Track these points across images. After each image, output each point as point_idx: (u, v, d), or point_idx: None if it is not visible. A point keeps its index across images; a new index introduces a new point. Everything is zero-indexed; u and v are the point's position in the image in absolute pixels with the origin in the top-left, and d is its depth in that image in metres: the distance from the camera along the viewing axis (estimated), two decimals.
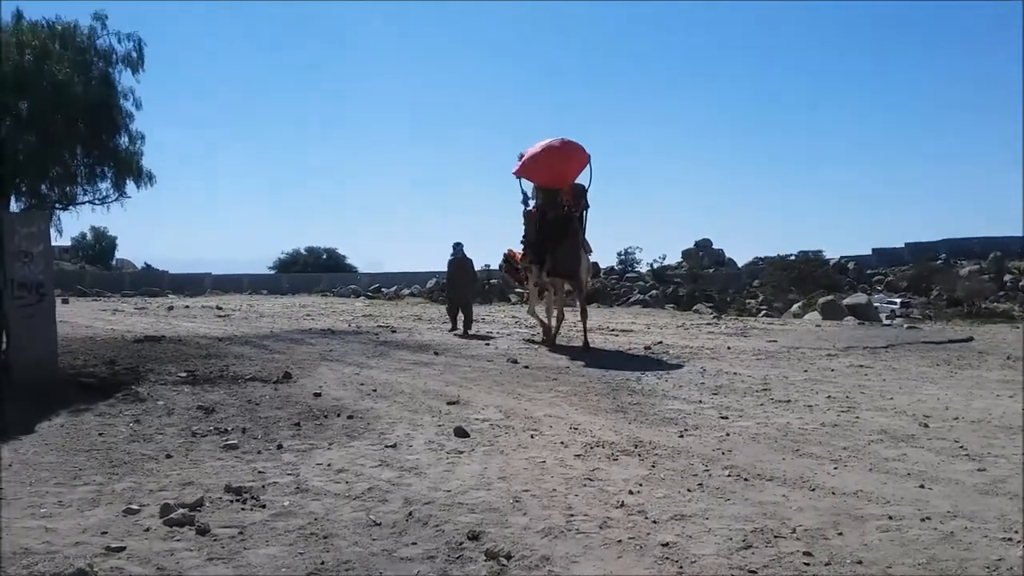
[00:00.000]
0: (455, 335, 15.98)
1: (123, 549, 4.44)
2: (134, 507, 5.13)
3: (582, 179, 14.19)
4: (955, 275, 54.66)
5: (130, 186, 12.09)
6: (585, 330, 14.12)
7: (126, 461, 6.26)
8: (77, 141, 11.31)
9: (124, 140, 11.74)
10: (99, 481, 5.74)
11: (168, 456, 6.42)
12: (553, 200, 13.98)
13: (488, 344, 14.03)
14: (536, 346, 14.26)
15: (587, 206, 14.14)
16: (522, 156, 14.19)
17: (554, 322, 14.74)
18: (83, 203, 12.16)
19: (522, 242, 14.93)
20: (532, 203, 14.52)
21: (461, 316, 16.97)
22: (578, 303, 14.88)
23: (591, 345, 13.75)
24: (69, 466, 6.09)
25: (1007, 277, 54.37)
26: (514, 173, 14.44)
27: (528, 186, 14.59)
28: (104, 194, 11.97)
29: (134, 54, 11.63)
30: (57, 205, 11.74)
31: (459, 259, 17.44)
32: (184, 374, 10.03)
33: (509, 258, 16.20)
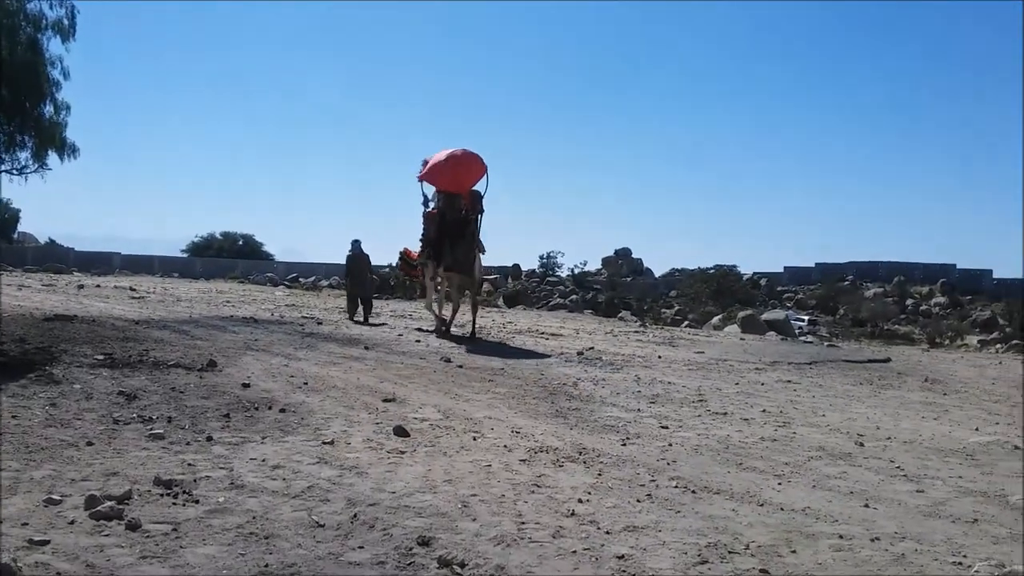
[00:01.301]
0: (356, 322, 16.95)
1: (47, 543, 4.11)
2: (55, 497, 4.78)
3: (480, 187, 15.53)
4: (861, 296, 56.90)
5: (52, 158, 11.40)
6: (474, 321, 15.49)
7: (44, 447, 5.85)
8: None
9: (49, 109, 11.07)
10: (15, 468, 5.33)
11: (89, 443, 6.02)
12: (452, 204, 15.39)
13: (419, 341, 13.78)
14: (429, 334, 14.98)
15: (482, 211, 15.50)
16: (426, 162, 15.56)
17: (447, 314, 15.92)
18: None
19: (421, 240, 16.12)
20: (432, 205, 15.79)
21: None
22: (463, 298, 16.19)
23: (478, 336, 15.08)
24: None
25: (909, 301, 56.84)
26: (418, 177, 15.75)
27: (430, 190, 15.85)
28: (23, 164, 11.25)
29: (65, 21, 11.02)
30: None
31: (357, 254, 18.39)
32: (101, 357, 9.47)
33: (405, 256, 17.48)
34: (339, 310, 19.23)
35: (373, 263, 20.53)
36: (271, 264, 56.40)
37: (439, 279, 16.03)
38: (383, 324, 16.80)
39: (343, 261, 19.55)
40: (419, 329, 16.02)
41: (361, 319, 17.41)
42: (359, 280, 18.23)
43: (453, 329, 15.58)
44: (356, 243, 18.53)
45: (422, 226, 16.00)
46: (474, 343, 14.23)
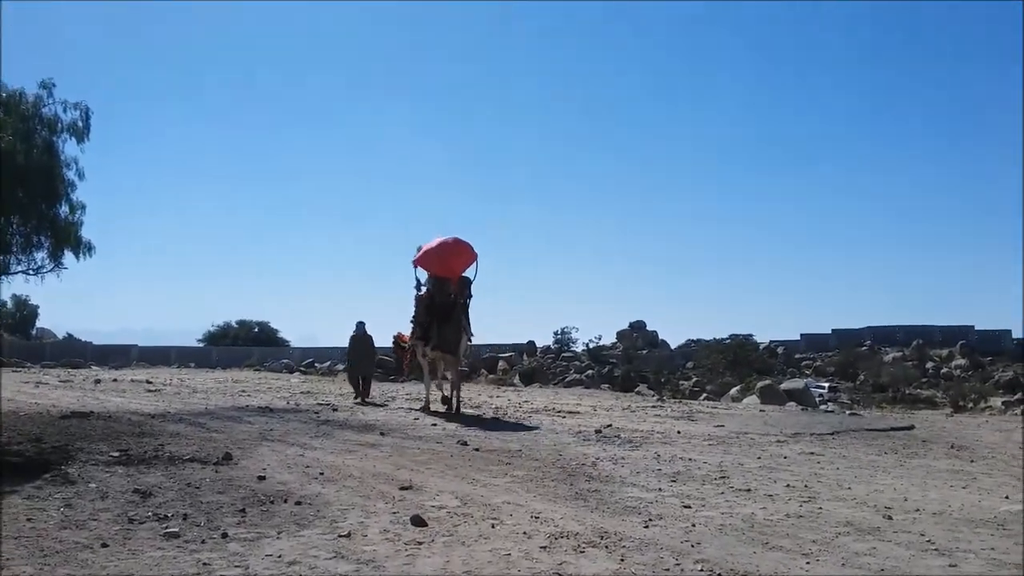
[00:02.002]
0: (355, 401, 18.07)
1: None
2: None
3: (469, 273, 16.55)
4: (880, 361, 56.39)
5: (68, 257, 11.59)
6: (458, 398, 16.34)
7: (59, 550, 5.78)
8: (14, 210, 10.83)
9: (64, 209, 11.29)
10: (30, 573, 5.26)
11: (104, 545, 5.94)
12: (442, 288, 16.36)
13: (435, 425, 13.68)
14: (440, 416, 15.08)
15: (470, 295, 16.50)
16: (420, 248, 16.54)
17: (435, 391, 17.23)
18: (16, 273, 11.57)
19: (412, 321, 17.19)
20: (424, 288, 16.81)
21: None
22: (451, 376, 16.89)
23: (463, 412, 15.92)
24: None
25: (929, 364, 56.25)
26: (413, 262, 16.72)
27: (423, 274, 16.88)
28: (39, 264, 11.43)
29: (80, 123, 11.28)
30: None
31: (360, 335, 19.64)
32: (117, 453, 9.44)
33: (398, 340, 19.01)
34: (353, 394, 19.21)
35: (383, 344, 21.08)
36: (287, 350, 56.64)
37: (429, 358, 16.83)
38: (398, 408, 17.01)
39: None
40: (416, 409, 16.64)
41: (361, 397, 18.53)
42: (360, 359, 19.36)
43: (439, 407, 16.55)
44: (360, 324, 19.70)
45: (414, 308, 17.06)
46: (460, 418, 15.10)
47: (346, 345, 20.39)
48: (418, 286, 16.87)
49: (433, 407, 16.43)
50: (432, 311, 16.31)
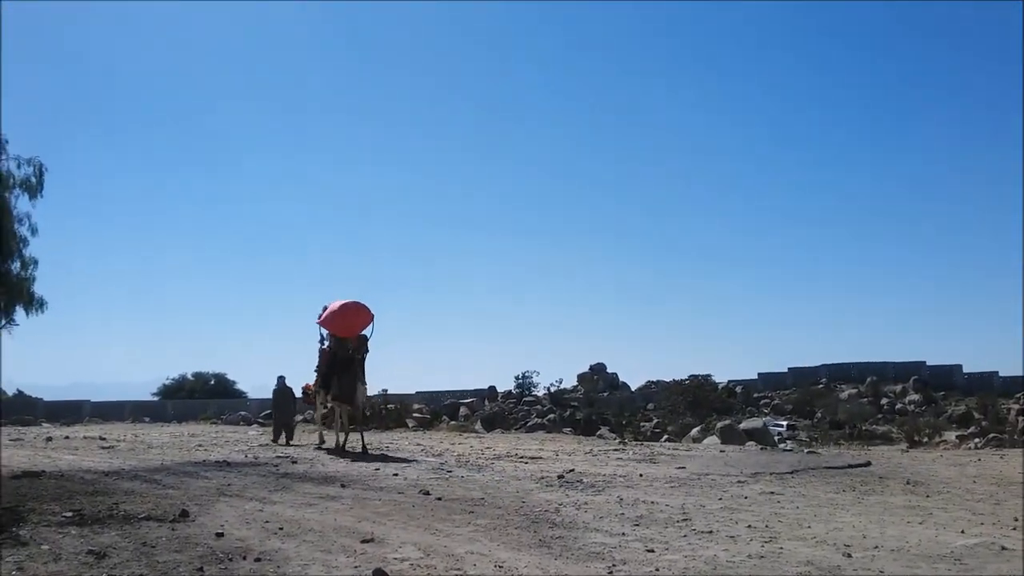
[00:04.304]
0: (280, 445, 20.31)
1: None
2: None
3: (367, 331, 18.65)
4: (836, 398, 57.08)
5: (19, 313, 11.37)
6: (363, 437, 18.60)
7: None
8: None
9: (16, 266, 11.08)
10: None
11: None
12: (342, 344, 18.59)
13: (397, 475, 13.54)
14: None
15: (367, 351, 18.62)
16: (325, 308, 18.93)
17: (335, 437, 19.14)
18: None
19: (315, 371, 19.61)
20: (327, 344, 19.08)
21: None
22: (344, 421, 19.12)
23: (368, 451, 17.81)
24: None
25: (883, 400, 57.07)
26: (317, 322, 19.09)
27: (326, 332, 19.06)
28: None
29: (33, 179, 11.17)
30: None
31: (281, 389, 22.33)
32: (70, 514, 9.19)
33: (305, 390, 21.12)
34: (312, 445, 19.03)
35: None
36: (244, 402, 55.60)
37: (330, 405, 19.37)
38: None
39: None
40: (318, 448, 19.15)
41: (284, 442, 20.93)
42: (283, 410, 22.03)
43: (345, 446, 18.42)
44: (281, 379, 22.38)
45: (318, 361, 19.39)
46: (366, 457, 16.85)
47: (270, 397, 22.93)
48: (322, 340, 19.21)
49: (328, 444, 19.15)
50: (333, 364, 18.56)
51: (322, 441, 19.55)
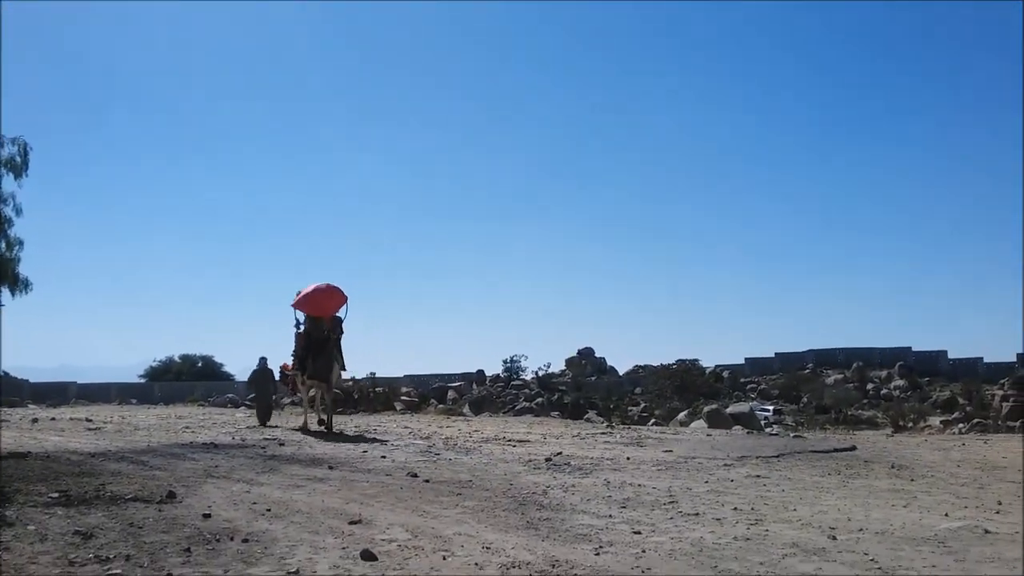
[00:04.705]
0: (257, 424, 20.94)
1: None
2: None
3: (341, 313, 19.14)
4: (822, 383, 57.48)
5: (4, 293, 11.25)
6: (330, 418, 19.38)
7: None
8: None
9: (1, 246, 10.96)
10: None
11: None
12: (317, 326, 18.93)
13: (385, 457, 13.56)
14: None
15: (342, 332, 19.17)
16: (299, 293, 19.30)
17: (315, 412, 20.17)
18: None
19: (292, 354, 20.05)
20: (302, 327, 19.35)
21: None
22: (326, 399, 19.90)
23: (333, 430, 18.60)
24: None
25: (869, 385, 57.50)
26: (292, 305, 19.41)
27: (301, 315, 19.39)
28: None
29: (18, 159, 11.03)
30: None
31: (262, 370, 22.52)
32: (56, 494, 9.16)
33: (283, 369, 21.46)
34: (300, 428, 19.02)
35: None
36: (231, 384, 55.56)
37: (307, 384, 19.71)
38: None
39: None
40: (296, 429, 19.46)
41: (264, 424, 21.16)
42: (262, 391, 22.52)
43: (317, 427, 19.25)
44: (262, 360, 22.59)
45: (294, 343, 19.78)
46: (335, 436, 17.56)
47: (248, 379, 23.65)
48: (297, 325, 19.49)
49: (312, 427, 19.19)
50: (309, 346, 18.95)
51: (306, 426, 19.64)
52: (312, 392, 20.38)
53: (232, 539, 7.37)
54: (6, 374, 56.56)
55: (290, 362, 20.49)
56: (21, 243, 11.29)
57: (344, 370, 20.00)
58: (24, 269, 11.36)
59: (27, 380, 55.80)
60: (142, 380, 62.22)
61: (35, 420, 21.73)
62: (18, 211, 11.16)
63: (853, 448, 15.53)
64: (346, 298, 19.15)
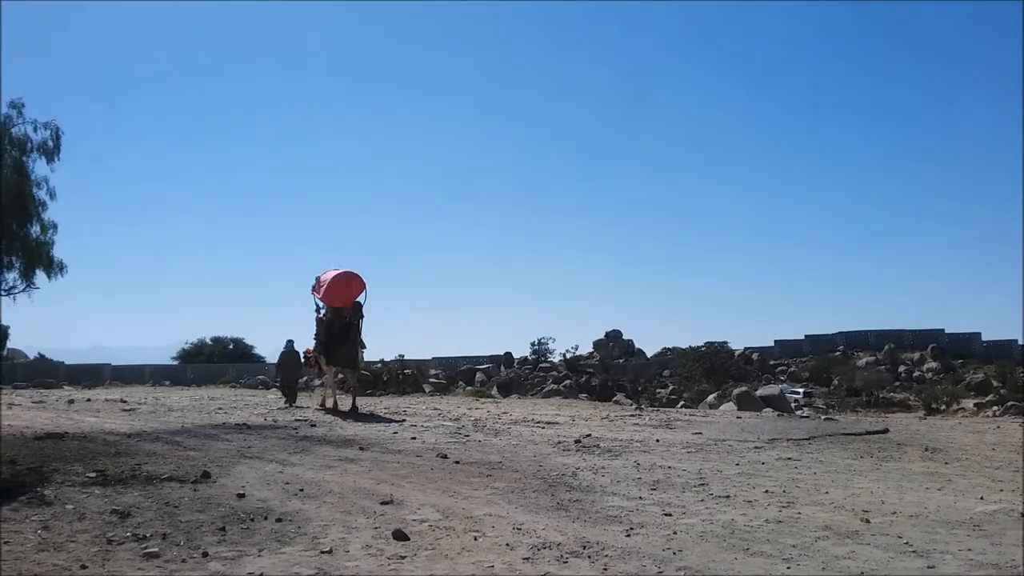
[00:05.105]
0: (285, 405, 21.13)
1: None
2: None
3: (361, 299, 19.61)
4: (853, 366, 56.94)
5: (39, 276, 11.40)
6: (355, 399, 19.86)
7: (37, 573, 5.70)
8: None
9: (36, 230, 11.10)
10: None
11: (83, 567, 5.87)
12: (338, 312, 19.49)
13: (415, 438, 13.64)
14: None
15: (362, 317, 19.66)
16: (318, 279, 19.90)
17: (334, 395, 20.26)
18: None
19: (315, 339, 20.45)
20: (324, 312, 19.85)
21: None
22: (349, 380, 20.66)
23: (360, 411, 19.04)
24: None
25: (901, 368, 56.89)
26: (312, 292, 19.96)
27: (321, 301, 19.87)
28: (11, 284, 11.21)
29: (50, 143, 11.14)
30: None
31: (288, 352, 22.36)
32: (93, 474, 9.33)
33: (306, 353, 21.81)
34: (324, 410, 19.27)
35: None
36: (262, 367, 56.09)
37: (329, 369, 20.17)
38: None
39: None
40: (319, 409, 20.08)
41: (288, 405, 21.29)
42: (289, 373, 22.55)
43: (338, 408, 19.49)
44: (289, 343, 22.46)
45: (315, 328, 20.23)
46: (365, 417, 17.77)
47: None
48: (318, 310, 20.02)
49: (328, 404, 19.75)
50: (331, 332, 19.49)
51: (323, 405, 20.18)
52: (340, 376, 21.04)
53: (266, 519, 7.47)
54: (41, 356, 57.62)
55: (312, 346, 20.94)
56: (55, 226, 11.46)
57: (365, 348, 20.57)
58: (58, 252, 11.54)
59: (62, 362, 56.78)
60: (175, 362, 63.09)
61: (71, 401, 22.10)
62: (51, 195, 11.33)
63: (886, 431, 15.37)
64: (364, 284, 19.68)
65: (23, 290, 11.13)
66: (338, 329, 19.47)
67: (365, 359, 21.72)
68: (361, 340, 19.78)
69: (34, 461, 10.26)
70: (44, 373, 46.97)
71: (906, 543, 6.58)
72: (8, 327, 60.11)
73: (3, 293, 11.17)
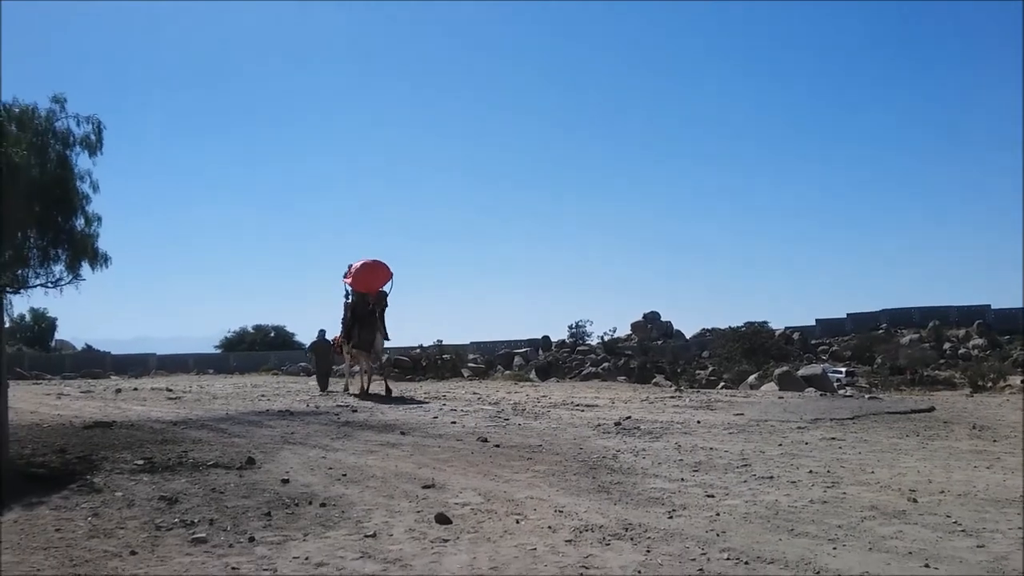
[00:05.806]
0: (320, 393, 21.35)
1: None
2: None
3: (386, 288, 20.60)
4: (897, 344, 56.07)
5: (85, 268, 11.57)
6: (387, 381, 21.23)
7: (88, 559, 5.83)
8: (31, 224, 10.83)
9: (80, 222, 11.27)
10: None
11: (133, 552, 6.00)
12: (363, 299, 20.46)
13: (455, 423, 13.71)
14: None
15: (386, 305, 20.68)
16: (350, 267, 20.80)
17: (360, 380, 21.24)
18: (35, 286, 11.56)
19: (341, 323, 21.37)
20: (351, 299, 20.72)
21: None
22: (366, 366, 21.20)
23: (392, 394, 19.93)
24: (26, 566, 5.65)
25: (946, 345, 55.89)
26: (343, 279, 20.93)
27: (350, 288, 20.70)
28: (57, 276, 11.40)
29: (92, 136, 11.23)
30: (8, 289, 11.09)
31: (320, 341, 23.05)
32: (141, 461, 9.52)
33: (334, 341, 22.39)
34: (351, 395, 19.43)
35: None
36: (303, 354, 56.70)
37: (354, 354, 21.21)
38: (419, 405, 17.87)
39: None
40: (345, 392, 21.12)
41: (322, 392, 21.58)
42: (322, 360, 23.10)
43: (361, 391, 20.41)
44: (321, 332, 23.17)
45: (342, 313, 21.21)
46: (405, 402, 18.36)
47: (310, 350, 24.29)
48: (347, 296, 20.91)
49: (353, 390, 20.88)
50: (356, 317, 20.43)
51: (347, 389, 21.30)
52: (356, 367, 22.23)
53: (310, 503, 7.56)
54: (89, 347, 58.82)
55: (340, 332, 21.84)
56: (99, 219, 11.59)
57: (387, 339, 21.35)
58: (102, 244, 11.71)
59: (109, 352, 57.94)
60: (218, 351, 64.04)
61: (118, 391, 22.53)
62: (95, 188, 11.43)
63: (931, 409, 15.12)
64: (392, 273, 20.68)
65: (69, 282, 11.29)
66: (361, 314, 20.39)
67: (385, 346, 22.29)
68: (382, 328, 20.63)
69: (84, 450, 10.49)
70: (91, 363, 47.95)
71: (954, 522, 6.48)
72: (56, 319, 61.55)
73: (50, 285, 11.34)
